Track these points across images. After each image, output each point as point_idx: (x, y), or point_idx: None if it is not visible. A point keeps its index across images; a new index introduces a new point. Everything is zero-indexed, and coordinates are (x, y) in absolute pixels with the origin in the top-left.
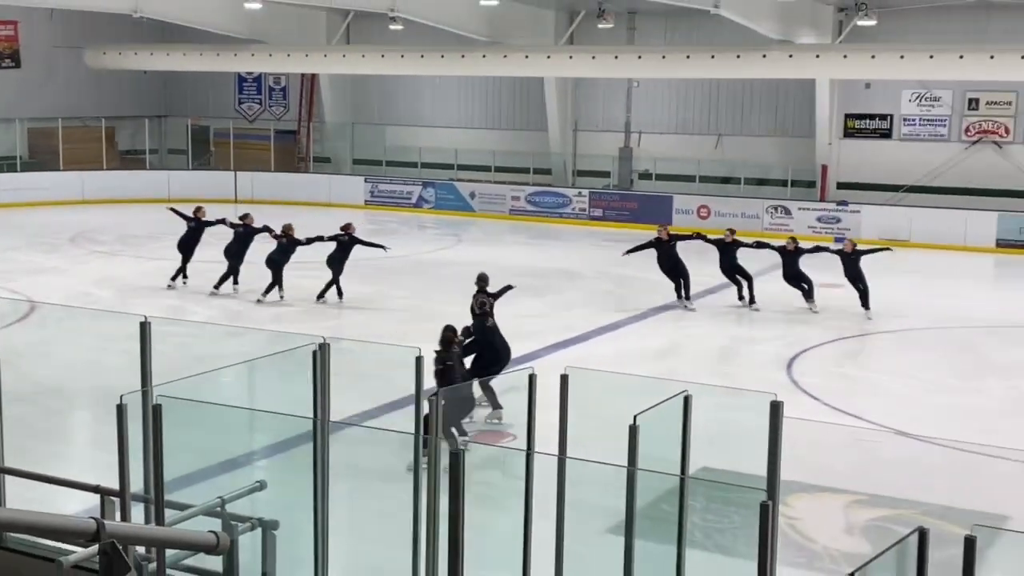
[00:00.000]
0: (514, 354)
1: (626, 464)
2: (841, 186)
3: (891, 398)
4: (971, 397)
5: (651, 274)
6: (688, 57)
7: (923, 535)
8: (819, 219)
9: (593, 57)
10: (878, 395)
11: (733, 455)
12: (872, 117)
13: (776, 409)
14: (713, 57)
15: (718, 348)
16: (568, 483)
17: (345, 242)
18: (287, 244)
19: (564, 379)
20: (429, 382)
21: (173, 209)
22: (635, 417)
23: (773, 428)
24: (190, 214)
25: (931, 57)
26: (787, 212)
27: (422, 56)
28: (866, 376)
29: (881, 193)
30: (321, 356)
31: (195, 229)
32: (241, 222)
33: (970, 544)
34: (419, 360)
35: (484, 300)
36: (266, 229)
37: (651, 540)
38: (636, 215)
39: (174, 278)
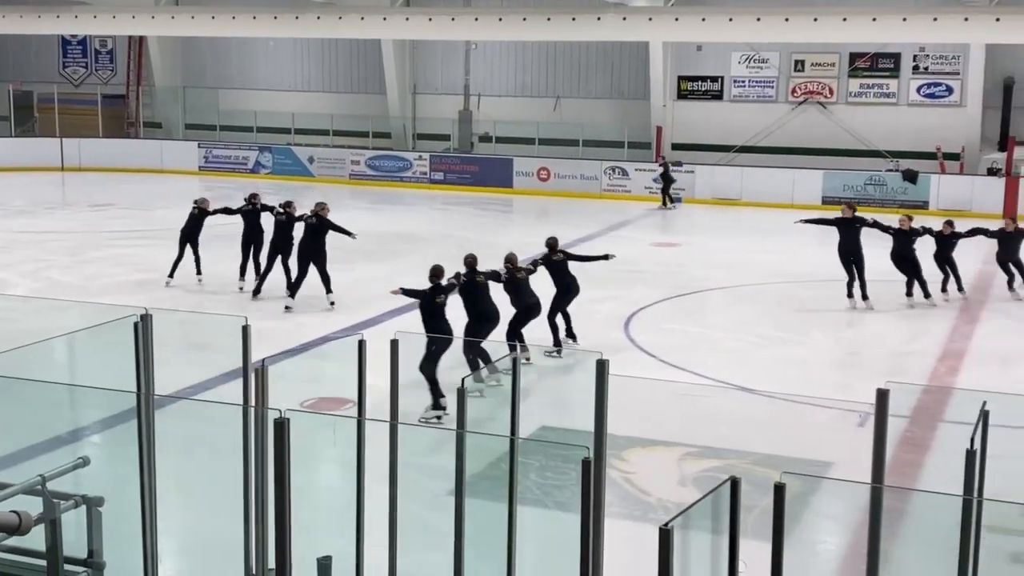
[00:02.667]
0: (352, 320)
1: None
2: (676, 147)
3: (723, 352)
4: (797, 349)
5: (493, 236)
6: (524, 19)
7: (735, 484)
8: (655, 180)
9: (430, 19)
10: (711, 350)
11: (573, 413)
12: (704, 79)
13: (601, 367)
14: (549, 19)
15: None
16: (410, 448)
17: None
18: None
19: (394, 344)
20: (257, 352)
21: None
22: (463, 380)
23: (599, 385)
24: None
25: (758, 20)
26: (624, 173)
27: (254, 18)
28: (699, 332)
29: (714, 153)
30: (144, 328)
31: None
32: (283, 210)
33: (779, 491)
34: (246, 330)
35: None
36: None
37: (489, 499)
38: (477, 178)
39: (184, 271)
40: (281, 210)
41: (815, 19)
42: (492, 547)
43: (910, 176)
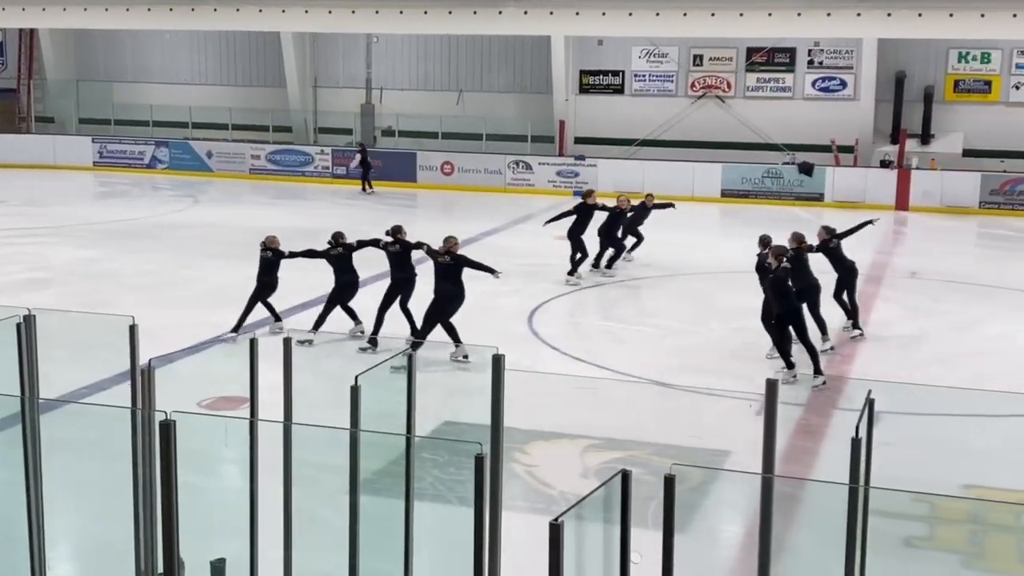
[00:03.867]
0: (251, 319)
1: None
2: (579, 141)
3: (626, 344)
4: (698, 340)
5: (408, 234)
6: (426, 13)
7: (626, 476)
8: (559, 173)
9: (330, 12)
10: (614, 342)
11: (479, 408)
12: (605, 73)
13: (497, 362)
14: (451, 13)
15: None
16: (312, 446)
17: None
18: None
19: (287, 343)
20: (145, 353)
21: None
22: (356, 378)
23: (495, 380)
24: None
25: (657, 14)
26: (528, 167)
27: (149, 10)
28: (602, 324)
29: (616, 147)
30: (27, 329)
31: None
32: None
33: (669, 482)
34: (133, 329)
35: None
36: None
37: (389, 496)
38: (380, 172)
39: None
40: (391, 238)
41: (712, 14)
42: (390, 544)
43: (806, 169)
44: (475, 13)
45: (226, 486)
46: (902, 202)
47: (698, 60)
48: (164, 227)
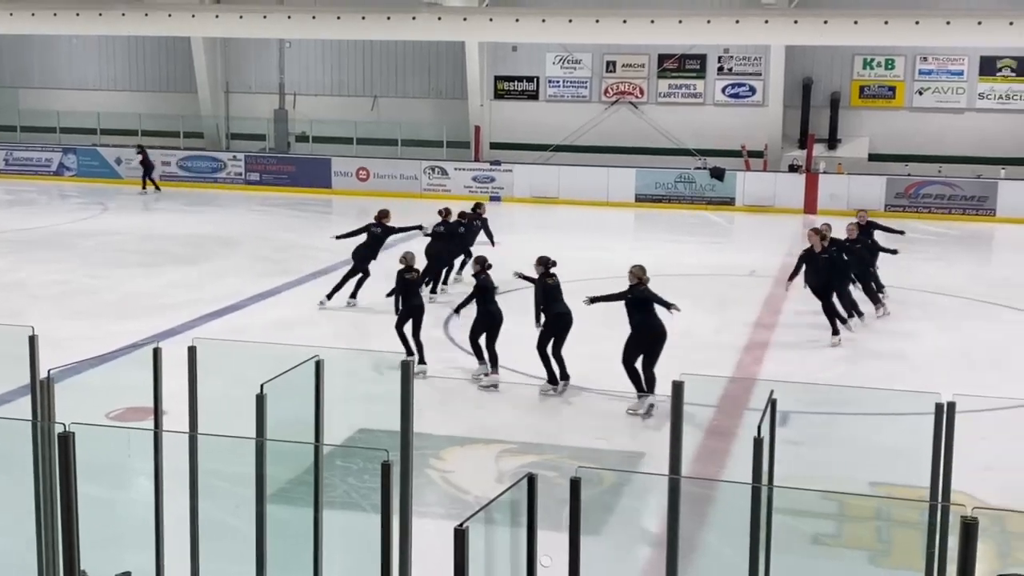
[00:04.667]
0: (160, 327)
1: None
2: (494, 146)
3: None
4: (614, 344)
5: (308, 239)
6: (339, 18)
7: (531, 480)
8: (475, 179)
9: (241, 16)
10: (531, 347)
11: (393, 415)
12: (520, 79)
13: (406, 367)
14: (364, 18)
15: (374, 310)
16: (225, 456)
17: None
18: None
19: (192, 351)
20: (45, 363)
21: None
22: (262, 386)
23: (404, 386)
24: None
25: (570, 21)
26: (444, 173)
27: (55, 14)
28: (520, 330)
29: (531, 152)
30: None
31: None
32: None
33: (575, 485)
34: (33, 340)
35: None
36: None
37: (302, 505)
38: (294, 178)
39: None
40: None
41: (624, 21)
42: (300, 553)
43: (717, 174)
44: (389, 19)
45: (133, 498)
46: (810, 206)
47: (611, 66)
48: (72, 235)
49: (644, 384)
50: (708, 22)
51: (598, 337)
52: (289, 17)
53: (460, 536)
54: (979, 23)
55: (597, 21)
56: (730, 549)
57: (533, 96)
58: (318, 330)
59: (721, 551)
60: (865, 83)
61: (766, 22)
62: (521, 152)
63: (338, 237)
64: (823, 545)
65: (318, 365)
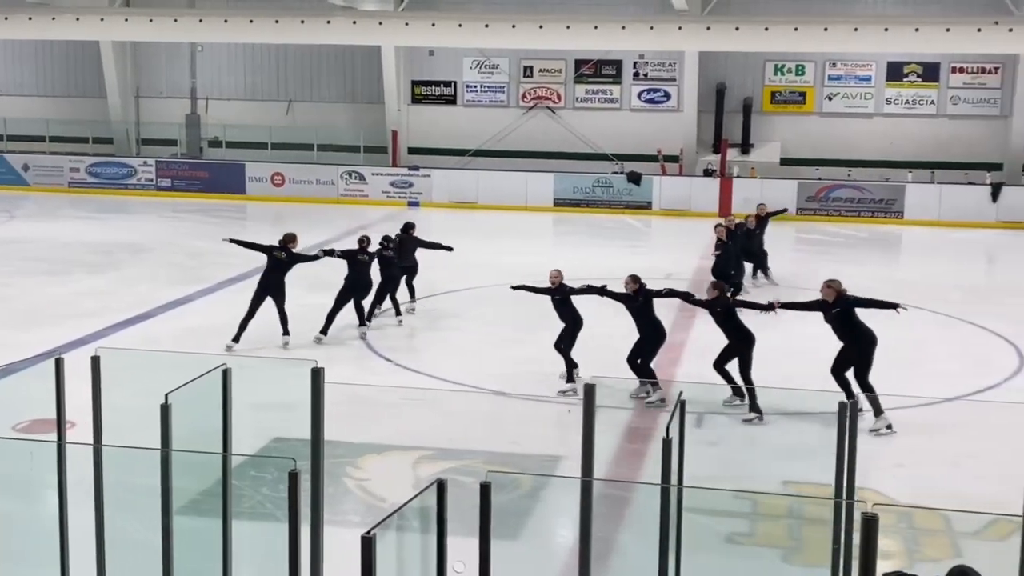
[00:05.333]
0: (69, 337)
1: (160, 446)
2: (412, 151)
3: (460, 354)
4: (532, 348)
5: (222, 245)
6: (251, 22)
7: (441, 486)
8: (392, 184)
9: (151, 20)
10: (448, 352)
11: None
12: (437, 84)
13: (316, 375)
14: (277, 22)
15: (291, 317)
16: (127, 468)
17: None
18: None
19: (95, 361)
20: None
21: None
22: (167, 396)
23: (315, 394)
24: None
25: (487, 26)
26: (361, 178)
27: None
28: (437, 334)
29: (450, 157)
30: None
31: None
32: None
33: (485, 489)
34: None
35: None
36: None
37: (211, 516)
38: (208, 184)
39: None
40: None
41: (540, 26)
42: (209, 565)
43: (634, 178)
44: (303, 22)
45: (39, 512)
46: (725, 209)
47: (528, 71)
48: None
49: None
50: (623, 28)
51: (515, 341)
52: (200, 20)
53: (367, 544)
54: (886, 30)
55: (514, 26)
56: (645, 549)
57: (451, 101)
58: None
59: (636, 552)
60: (776, 89)
61: (680, 28)
62: (439, 157)
63: (232, 240)
64: (737, 544)
65: (225, 374)
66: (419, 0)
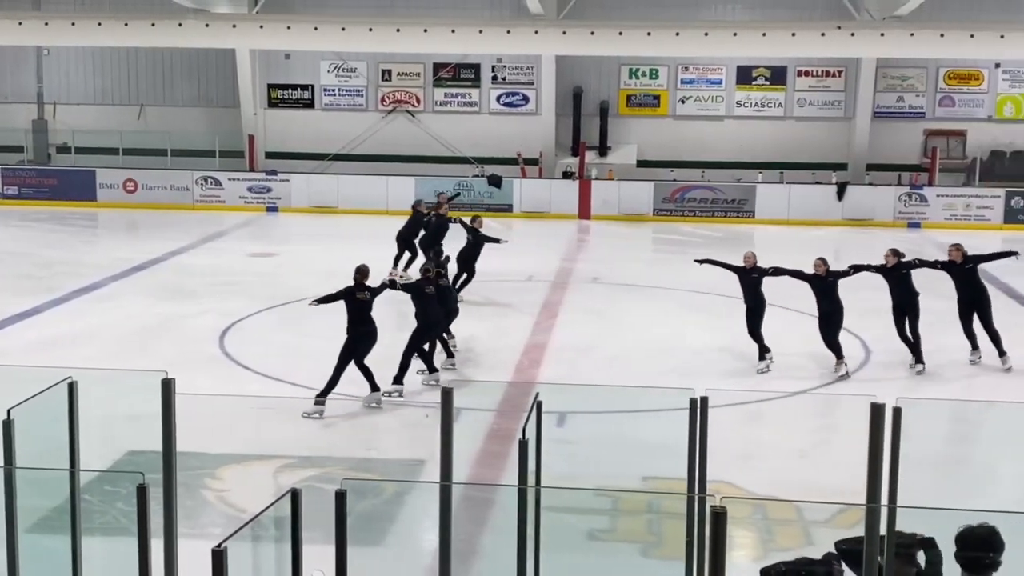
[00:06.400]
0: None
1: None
2: (270, 155)
3: (321, 361)
4: (395, 351)
5: (77, 253)
6: (100, 24)
7: (295, 495)
8: (250, 189)
9: None
10: (309, 359)
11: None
12: (294, 87)
13: (167, 386)
14: (127, 25)
15: (146, 327)
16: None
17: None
18: None
19: None
20: None
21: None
22: (9, 411)
23: (165, 405)
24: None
25: (343, 29)
26: (218, 183)
27: None
28: (298, 341)
29: (308, 162)
30: None
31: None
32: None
33: (340, 497)
34: None
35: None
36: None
37: (63, 534)
38: (57, 192)
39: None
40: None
41: (398, 29)
42: None
43: (495, 181)
44: (153, 25)
45: None
46: (584, 211)
47: (387, 75)
48: None
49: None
50: (480, 32)
51: (382, 345)
52: (47, 24)
53: (218, 556)
54: (735, 34)
55: (371, 29)
56: (506, 550)
57: (308, 104)
58: (84, 349)
59: (498, 553)
60: (632, 92)
61: (536, 32)
62: (298, 161)
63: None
64: (598, 540)
65: (71, 387)
66: (274, 2)
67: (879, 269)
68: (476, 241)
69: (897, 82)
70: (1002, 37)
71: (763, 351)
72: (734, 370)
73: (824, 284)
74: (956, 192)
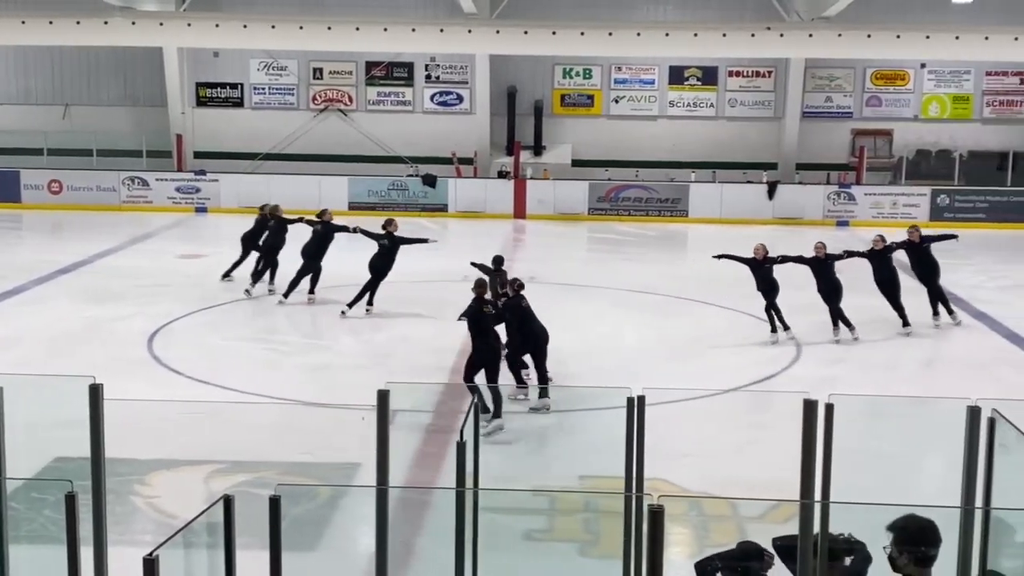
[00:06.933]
0: None
1: None
2: (199, 155)
3: (253, 363)
4: (326, 355)
5: (2, 257)
6: (24, 23)
7: (228, 501)
8: (178, 189)
9: None
10: (241, 362)
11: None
12: (223, 86)
13: (95, 392)
14: (52, 23)
15: (73, 331)
16: None
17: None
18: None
19: None
20: None
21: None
22: None
23: (93, 411)
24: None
25: (273, 27)
26: (145, 184)
27: None
28: (229, 344)
29: (239, 161)
30: None
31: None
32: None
33: (274, 503)
34: None
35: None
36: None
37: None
38: None
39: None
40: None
41: (329, 27)
42: None
43: (429, 180)
44: (79, 23)
45: None
46: (519, 211)
47: (318, 73)
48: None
49: None
50: (413, 30)
51: (315, 349)
52: None
53: (149, 565)
54: (666, 35)
55: (301, 27)
56: (443, 552)
57: (238, 103)
58: (9, 354)
59: (435, 555)
60: (566, 92)
61: (469, 31)
62: (228, 161)
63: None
64: (535, 540)
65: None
66: (202, 0)
67: (867, 254)
68: (392, 246)
69: (825, 82)
70: (927, 38)
71: (782, 325)
72: (670, 368)
73: (823, 266)
74: (883, 191)
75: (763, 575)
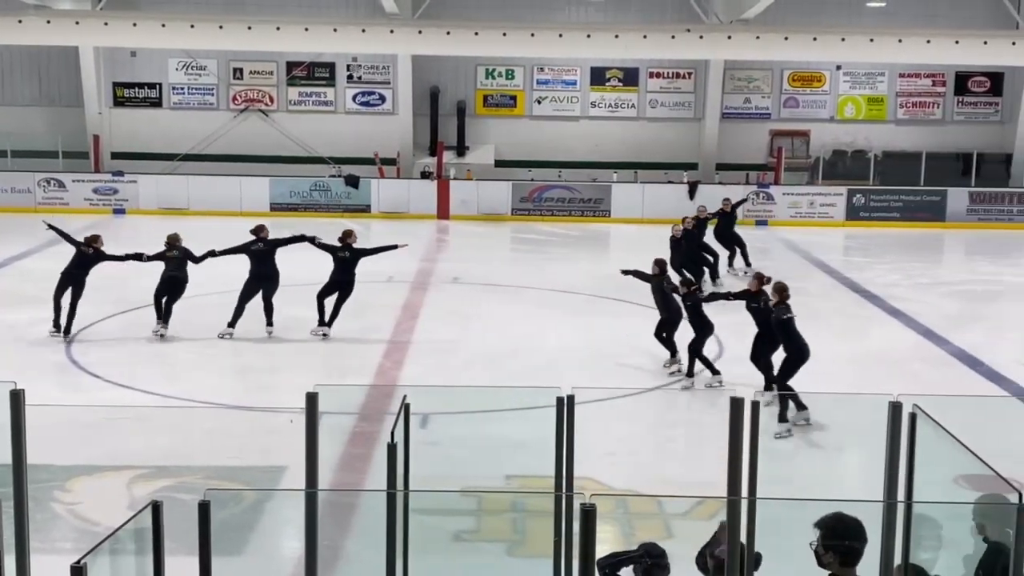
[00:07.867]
0: None
1: None
2: (116, 156)
3: (174, 366)
4: (248, 356)
5: None
6: None
7: (156, 508)
8: (95, 191)
9: None
10: (161, 364)
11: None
12: (141, 86)
13: (16, 397)
14: None
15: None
16: None
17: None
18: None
19: None
20: None
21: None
22: None
23: (15, 416)
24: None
25: (192, 26)
26: (61, 185)
27: None
28: (148, 347)
29: (157, 162)
30: None
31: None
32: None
33: (204, 508)
34: None
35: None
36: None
37: None
38: None
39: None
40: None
41: (249, 27)
42: None
43: (352, 181)
44: None
45: None
46: (443, 211)
47: (238, 73)
48: None
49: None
50: (334, 30)
51: (235, 351)
52: None
53: (77, 572)
54: (588, 36)
55: (221, 27)
56: (373, 554)
57: (156, 103)
58: None
59: (363, 556)
60: (488, 92)
61: (391, 32)
62: (146, 162)
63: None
64: (463, 541)
65: None
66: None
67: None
68: (353, 258)
69: (744, 84)
70: (843, 40)
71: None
72: (595, 367)
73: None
74: (801, 190)
75: None
